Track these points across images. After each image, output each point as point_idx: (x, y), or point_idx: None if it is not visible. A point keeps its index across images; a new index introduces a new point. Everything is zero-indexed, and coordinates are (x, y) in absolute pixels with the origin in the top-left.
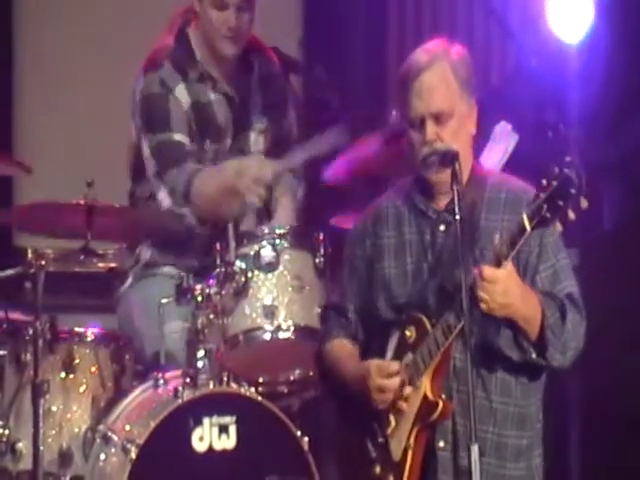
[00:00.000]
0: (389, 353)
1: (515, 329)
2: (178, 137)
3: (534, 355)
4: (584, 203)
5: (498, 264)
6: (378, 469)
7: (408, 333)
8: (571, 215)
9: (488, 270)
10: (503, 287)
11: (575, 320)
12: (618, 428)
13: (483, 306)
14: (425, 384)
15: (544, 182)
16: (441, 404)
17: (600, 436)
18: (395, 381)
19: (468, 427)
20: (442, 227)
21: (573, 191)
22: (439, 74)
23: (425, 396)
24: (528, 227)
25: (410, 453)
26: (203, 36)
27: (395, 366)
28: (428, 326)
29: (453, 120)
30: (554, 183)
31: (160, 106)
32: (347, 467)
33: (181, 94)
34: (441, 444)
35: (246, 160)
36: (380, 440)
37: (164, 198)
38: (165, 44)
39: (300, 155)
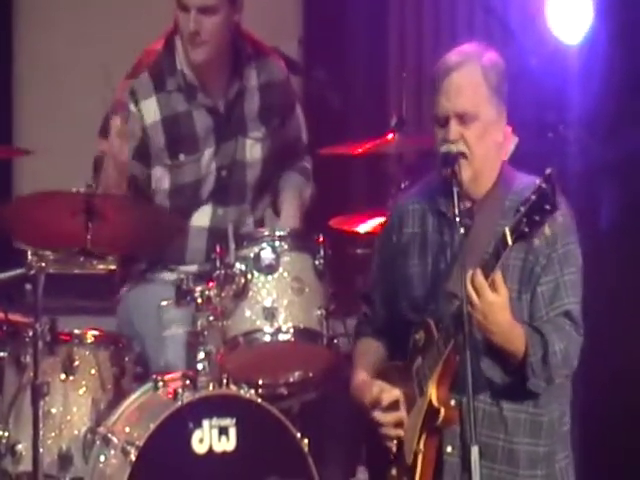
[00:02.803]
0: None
1: (496, 354)
2: None
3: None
4: (559, 219)
5: (486, 276)
6: (394, 471)
7: (417, 337)
8: (547, 231)
9: (479, 276)
10: (486, 309)
11: (571, 339)
12: (619, 426)
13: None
14: (431, 390)
15: (528, 195)
16: (443, 411)
17: (601, 434)
18: (391, 416)
19: (469, 430)
20: (461, 230)
21: (547, 207)
22: (468, 75)
23: (430, 402)
24: (510, 241)
25: (420, 457)
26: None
27: (390, 396)
28: (435, 331)
29: (478, 123)
30: (532, 197)
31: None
32: (374, 467)
33: (149, 108)
34: (449, 449)
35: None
36: (397, 442)
37: None
38: (153, 49)
39: None
